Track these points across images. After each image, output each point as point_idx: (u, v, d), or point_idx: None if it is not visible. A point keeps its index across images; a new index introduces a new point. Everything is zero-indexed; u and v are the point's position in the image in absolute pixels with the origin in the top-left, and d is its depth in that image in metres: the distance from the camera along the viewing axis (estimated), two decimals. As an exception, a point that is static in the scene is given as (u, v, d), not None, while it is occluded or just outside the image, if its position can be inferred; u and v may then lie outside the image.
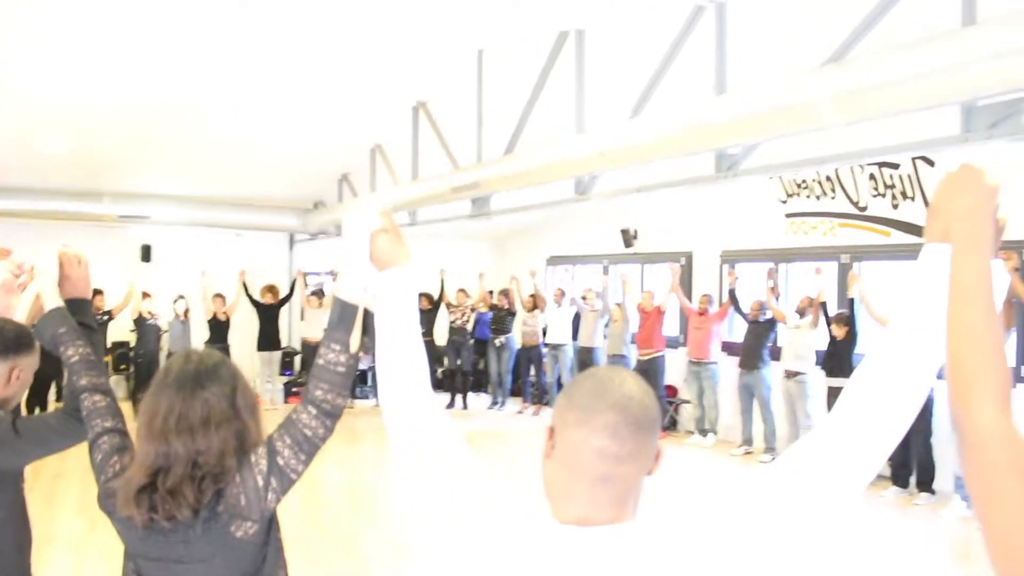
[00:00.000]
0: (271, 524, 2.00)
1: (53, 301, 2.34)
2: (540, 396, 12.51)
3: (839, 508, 1.39)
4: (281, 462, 1.91)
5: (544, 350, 12.43)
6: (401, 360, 1.59)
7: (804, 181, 9.40)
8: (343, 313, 1.88)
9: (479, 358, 13.23)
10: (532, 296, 12.45)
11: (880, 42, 4.01)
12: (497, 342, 12.63)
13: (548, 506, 1.40)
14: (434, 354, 12.46)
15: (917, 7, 4.15)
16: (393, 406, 1.58)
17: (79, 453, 2.30)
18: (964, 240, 1.32)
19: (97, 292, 9.89)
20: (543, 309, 12.36)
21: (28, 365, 2.45)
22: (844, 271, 8.99)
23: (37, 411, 9.13)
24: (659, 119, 5.26)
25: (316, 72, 7.60)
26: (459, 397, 12.58)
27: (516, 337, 12.71)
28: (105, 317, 10.46)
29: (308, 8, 6.18)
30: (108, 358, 11.31)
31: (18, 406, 2.62)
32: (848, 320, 8.35)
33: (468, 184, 7.55)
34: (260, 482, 1.89)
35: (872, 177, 8.65)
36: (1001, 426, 1.16)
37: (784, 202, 9.69)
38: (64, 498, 7.19)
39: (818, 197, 9.31)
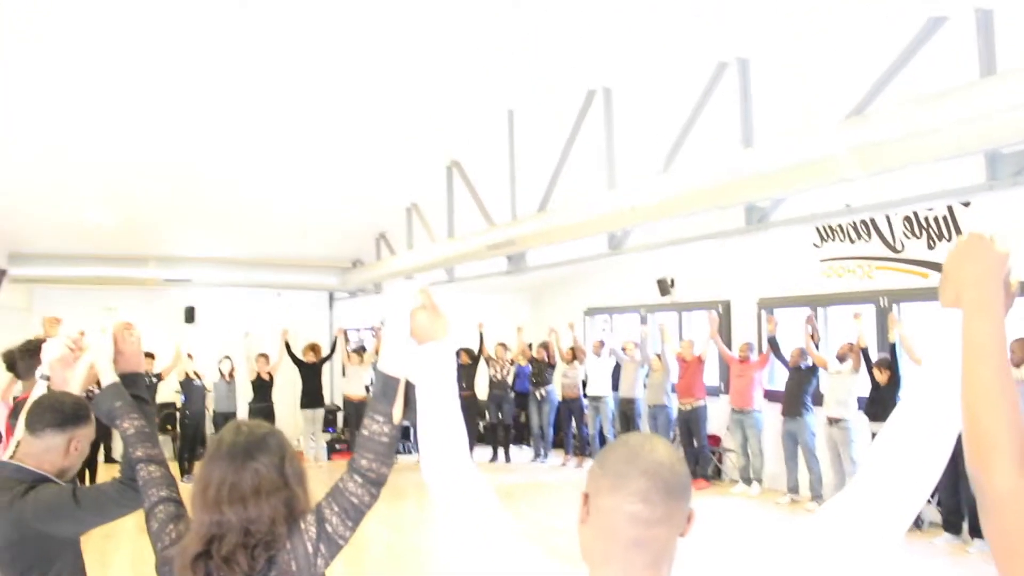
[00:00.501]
0: None
1: (106, 370, 2.45)
2: (582, 448, 12.47)
3: (879, 555, 1.43)
4: (330, 529, 1.99)
5: (585, 402, 12.43)
6: (441, 430, 1.70)
7: (839, 225, 9.39)
8: (385, 386, 1.99)
9: (520, 411, 13.26)
10: (571, 348, 12.50)
11: (901, 94, 4.07)
12: (538, 395, 12.65)
13: (586, 569, 1.46)
14: (475, 408, 12.52)
15: (936, 59, 4.20)
16: (435, 473, 1.68)
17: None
18: (976, 305, 1.37)
19: (148, 355, 10.09)
20: (582, 360, 12.38)
21: (85, 436, 2.60)
22: (883, 314, 8.94)
23: (87, 472, 9.30)
24: (688, 173, 5.34)
25: (352, 134, 7.79)
26: (501, 450, 12.59)
27: (556, 389, 12.72)
28: (155, 380, 10.64)
29: (343, 73, 6.38)
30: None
31: (75, 476, 2.75)
32: (890, 364, 8.29)
33: (503, 241, 7.66)
34: (310, 548, 1.97)
35: (907, 219, 8.62)
36: (1019, 490, 1.19)
37: (818, 247, 9.68)
38: (116, 556, 7.32)
39: (852, 240, 9.30)
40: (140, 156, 8.10)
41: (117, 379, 2.47)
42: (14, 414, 3.82)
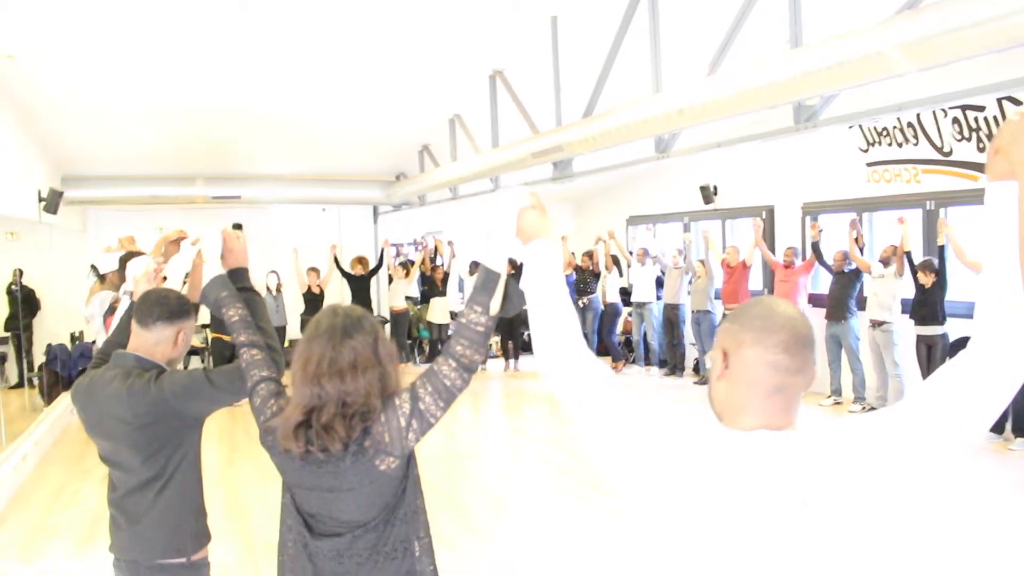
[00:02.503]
0: (410, 461, 2.26)
1: (213, 264, 2.70)
2: (627, 354, 12.77)
3: (960, 444, 1.54)
4: (422, 407, 2.15)
5: (626, 309, 12.67)
6: (554, 319, 1.79)
7: (885, 129, 9.29)
8: (487, 279, 2.14)
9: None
10: (612, 256, 12.65)
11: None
12: (580, 303, 12.81)
13: (713, 420, 1.62)
14: (520, 318, 12.72)
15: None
16: (552, 356, 1.77)
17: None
18: None
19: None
20: (610, 268, 12.60)
21: (190, 329, 2.80)
22: (930, 218, 8.90)
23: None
24: (736, 75, 5.33)
25: (394, 46, 7.82)
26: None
27: (600, 297, 12.87)
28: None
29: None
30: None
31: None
32: (936, 268, 8.29)
33: (549, 148, 7.70)
34: (403, 422, 2.15)
35: (956, 121, 8.51)
36: None
37: (865, 151, 9.60)
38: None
39: (900, 144, 9.21)
40: (187, 79, 8.23)
41: (224, 272, 2.68)
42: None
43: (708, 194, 12.05)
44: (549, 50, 7.46)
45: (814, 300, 10.21)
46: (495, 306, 2.15)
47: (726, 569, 1.51)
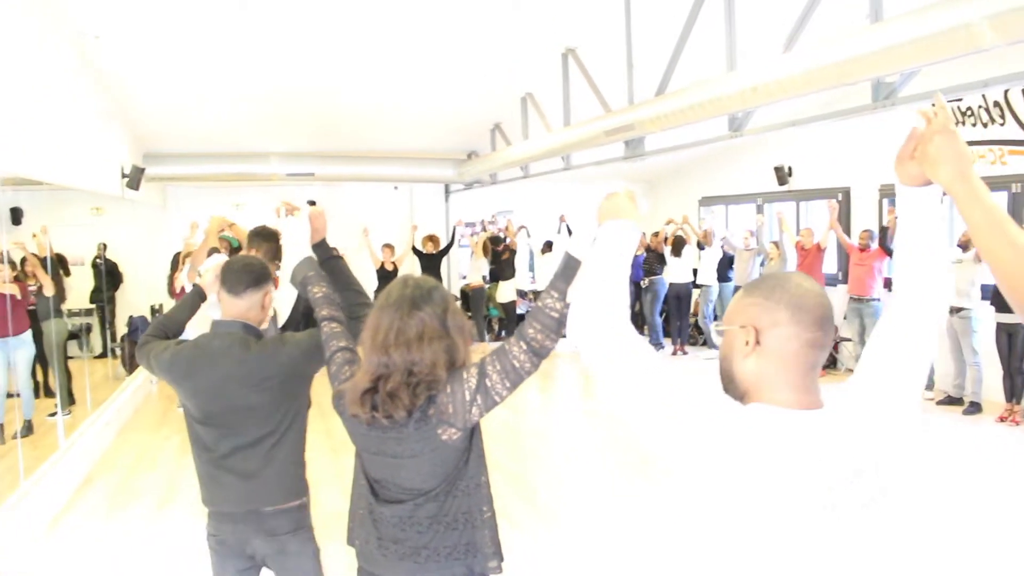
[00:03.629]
0: (473, 434, 2.30)
1: (304, 246, 2.83)
2: (697, 336, 12.69)
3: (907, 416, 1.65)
4: (488, 384, 2.18)
5: (695, 291, 12.55)
6: (603, 289, 1.71)
7: (969, 108, 9.01)
8: (567, 265, 2.14)
9: (636, 301, 13.39)
10: (676, 237, 12.45)
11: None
12: (643, 283, 12.72)
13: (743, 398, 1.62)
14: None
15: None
16: (588, 326, 1.68)
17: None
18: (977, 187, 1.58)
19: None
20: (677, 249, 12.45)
21: (271, 292, 2.98)
22: (1016, 201, 8.63)
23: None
24: (813, 51, 5.22)
25: (468, 25, 7.85)
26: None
27: (666, 279, 12.73)
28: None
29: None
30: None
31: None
32: None
33: (621, 126, 7.66)
34: (468, 396, 2.18)
35: (1045, 100, 8.24)
36: None
37: (948, 131, 9.31)
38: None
39: (985, 124, 8.92)
40: (264, 59, 8.40)
41: (312, 254, 2.81)
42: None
43: (782, 175, 11.86)
44: (622, 28, 7.41)
45: (890, 284, 9.98)
46: (572, 294, 2.12)
47: (769, 547, 1.50)
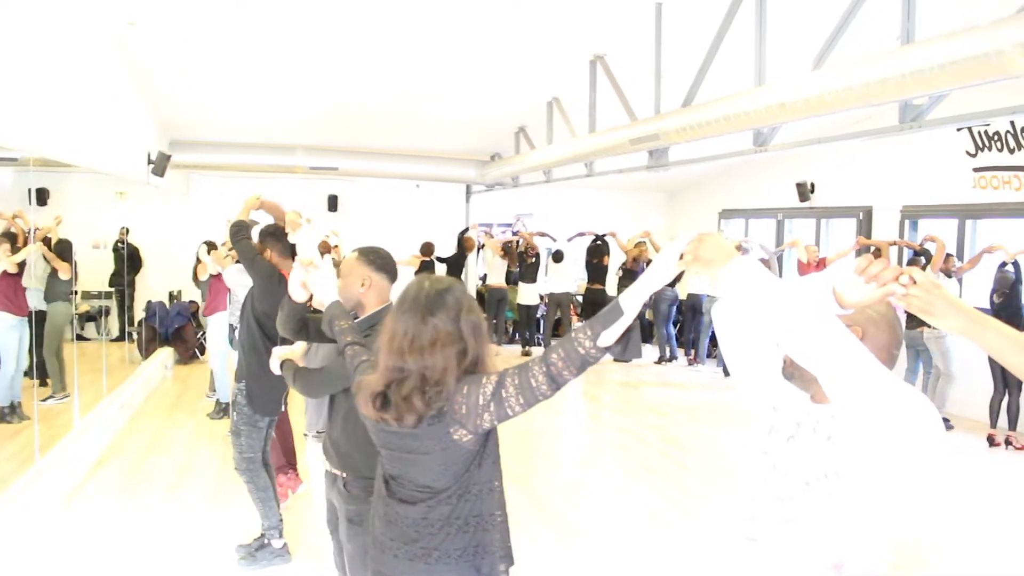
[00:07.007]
0: (488, 439, 2.34)
1: (332, 292, 3.01)
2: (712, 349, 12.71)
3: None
4: (504, 394, 2.20)
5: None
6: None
7: (996, 133, 8.99)
8: (611, 312, 2.06)
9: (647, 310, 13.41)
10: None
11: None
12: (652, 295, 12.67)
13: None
14: (604, 299, 12.68)
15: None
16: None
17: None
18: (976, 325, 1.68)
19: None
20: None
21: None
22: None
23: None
24: (842, 70, 5.22)
25: (497, 27, 7.87)
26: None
27: (680, 290, 12.72)
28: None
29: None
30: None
31: None
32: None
33: (647, 136, 7.67)
34: (481, 400, 2.21)
35: (1072, 129, 8.21)
36: None
37: (972, 155, 9.30)
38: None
39: (1012, 150, 8.89)
40: (293, 52, 8.45)
41: (336, 298, 2.94)
42: None
43: (804, 191, 11.84)
44: (652, 37, 7.41)
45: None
46: (606, 339, 2.07)
47: None
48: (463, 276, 13.13)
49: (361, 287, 3.17)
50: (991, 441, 8.16)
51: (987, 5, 4.70)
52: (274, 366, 3.35)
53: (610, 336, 2.05)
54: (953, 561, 5.26)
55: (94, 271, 10.31)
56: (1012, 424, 8.09)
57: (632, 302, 2.03)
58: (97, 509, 5.88)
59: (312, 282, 3.02)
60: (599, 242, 13.24)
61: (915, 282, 1.65)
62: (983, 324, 1.66)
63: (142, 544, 5.26)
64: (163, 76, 9.12)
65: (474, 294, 13.74)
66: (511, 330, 13.99)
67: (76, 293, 8.63)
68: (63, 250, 7.91)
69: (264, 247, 4.93)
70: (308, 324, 3.27)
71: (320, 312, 3.19)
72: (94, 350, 9.01)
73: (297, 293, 3.15)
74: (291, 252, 4.92)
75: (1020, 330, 1.69)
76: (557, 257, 13.21)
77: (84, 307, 10.24)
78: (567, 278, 13.44)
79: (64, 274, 7.75)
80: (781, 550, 1.85)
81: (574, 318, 13.45)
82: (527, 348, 13.05)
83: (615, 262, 13.29)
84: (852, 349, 1.64)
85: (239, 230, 4.81)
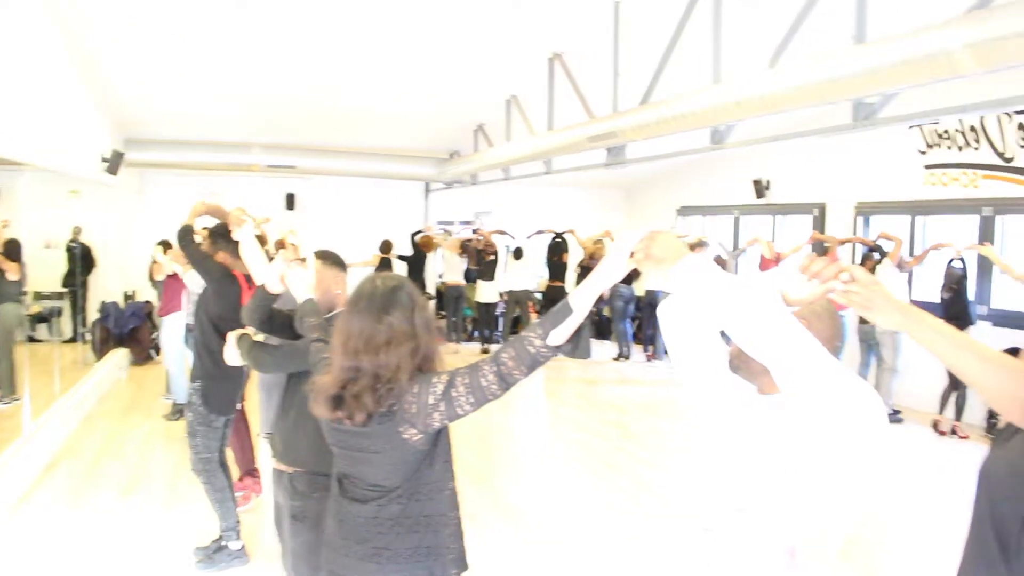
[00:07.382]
0: (437, 439, 2.33)
1: (308, 289, 3.10)
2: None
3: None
4: (454, 394, 2.19)
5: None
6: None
7: (946, 131, 9.16)
8: (561, 310, 2.05)
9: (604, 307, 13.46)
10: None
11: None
12: (604, 294, 12.68)
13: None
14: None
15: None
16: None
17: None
18: (912, 322, 1.70)
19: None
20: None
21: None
22: (987, 225, 8.79)
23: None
24: (797, 69, 5.29)
25: (455, 25, 7.85)
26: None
27: (638, 287, 12.77)
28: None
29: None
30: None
31: None
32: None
33: (604, 134, 7.70)
34: (431, 400, 2.20)
35: (1021, 127, 8.37)
36: None
37: (924, 153, 9.47)
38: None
39: (960, 148, 9.07)
40: (249, 50, 8.36)
41: (312, 296, 3.02)
42: None
43: (760, 188, 11.97)
44: (610, 35, 7.45)
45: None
46: (556, 338, 2.05)
47: None
48: (424, 275, 13.06)
49: (337, 290, 3.30)
50: (935, 427, 8.39)
51: (938, 6, 4.79)
52: (229, 353, 3.38)
53: (560, 335, 2.05)
54: (902, 544, 5.36)
55: (46, 271, 10.12)
56: (959, 414, 8.27)
57: (582, 301, 2.03)
58: (48, 515, 5.77)
59: (291, 278, 3.08)
60: (559, 239, 13.28)
61: (855, 279, 1.69)
62: (919, 321, 1.68)
63: (94, 550, 5.16)
64: (116, 73, 8.97)
65: (435, 292, 13.75)
66: (470, 328, 13.97)
67: (26, 294, 8.48)
68: (11, 250, 7.76)
69: (216, 248, 4.95)
70: (274, 316, 3.35)
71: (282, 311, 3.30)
72: (46, 352, 8.84)
73: (274, 285, 3.24)
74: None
75: (967, 324, 1.73)
76: (517, 254, 13.19)
77: (36, 308, 10.03)
78: (527, 276, 13.43)
79: (13, 274, 7.61)
80: (735, 538, 1.88)
81: (533, 316, 13.43)
82: (486, 346, 13.04)
83: (574, 259, 13.32)
84: (802, 339, 1.68)
85: (185, 234, 4.84)
